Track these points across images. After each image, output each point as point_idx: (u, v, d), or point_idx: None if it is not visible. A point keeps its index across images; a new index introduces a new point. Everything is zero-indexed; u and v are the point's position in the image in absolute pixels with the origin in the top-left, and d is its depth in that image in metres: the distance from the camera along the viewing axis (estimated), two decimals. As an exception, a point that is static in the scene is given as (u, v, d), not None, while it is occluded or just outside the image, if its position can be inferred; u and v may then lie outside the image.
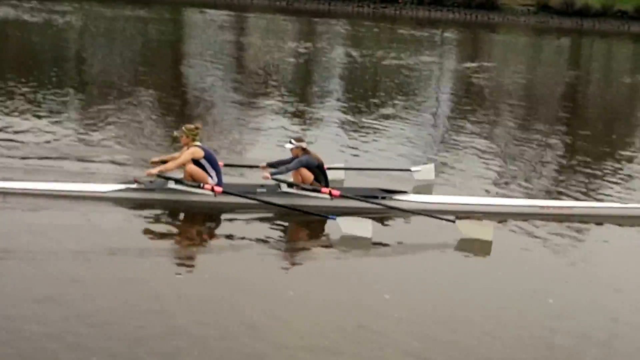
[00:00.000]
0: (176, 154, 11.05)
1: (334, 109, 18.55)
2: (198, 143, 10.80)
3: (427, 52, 36.03)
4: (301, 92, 22.55)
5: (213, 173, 10.75)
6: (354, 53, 32.00)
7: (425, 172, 12.52)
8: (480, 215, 10.59)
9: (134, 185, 10.67)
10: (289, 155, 11.19)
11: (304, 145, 11.05)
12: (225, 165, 11.38)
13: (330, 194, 10.69)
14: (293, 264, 8.95)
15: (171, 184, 10.64)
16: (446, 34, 48.55)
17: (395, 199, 11.07)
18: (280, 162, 11.32)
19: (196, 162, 10.67)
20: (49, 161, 12.13)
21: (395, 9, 59.99)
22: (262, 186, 11.09)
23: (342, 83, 25.00)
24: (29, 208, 9.91)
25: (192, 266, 8.71)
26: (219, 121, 16.53)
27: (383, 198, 11.05)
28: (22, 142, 13.11)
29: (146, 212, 9.98)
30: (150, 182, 10.79)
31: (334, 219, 9.82)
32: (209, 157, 10.78)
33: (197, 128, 10.94)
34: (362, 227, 9.67)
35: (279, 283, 8.05)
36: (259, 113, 17.57)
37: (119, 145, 13.72)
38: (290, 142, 11.11)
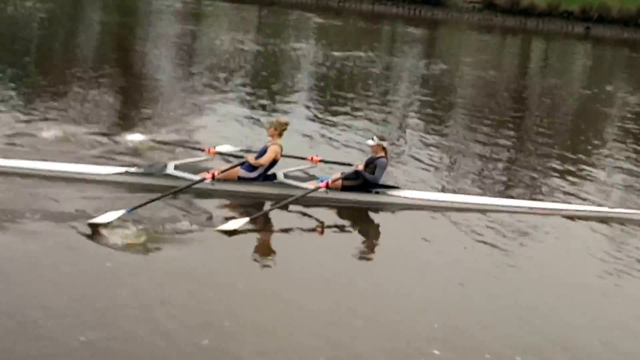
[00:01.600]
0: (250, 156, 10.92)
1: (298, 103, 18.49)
2: (280, 143, 10.73)
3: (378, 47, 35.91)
4: (262, 86, 22.14)
5: (261, 171, 10.68)
6: (303, 45, 31.87)
7: None
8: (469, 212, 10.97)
9: (134, 169, 10.53)
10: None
11: (385, 143, 10.99)
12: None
13: (327, 186, 10.55)
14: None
15: (170, 170, 10.42)
16: (402, 29, 48.51)
17: (388, 194, 11.10)
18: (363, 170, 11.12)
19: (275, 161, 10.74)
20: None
21: (339, 1, 59.58)
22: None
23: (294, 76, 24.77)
24: (29, 187, 9.72)
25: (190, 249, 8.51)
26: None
27: (377, 192, 11.05)
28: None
29: (144, 196, 9.60)
30: (149, 166, 10.72)
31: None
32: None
33: (287, 123, 10.91)
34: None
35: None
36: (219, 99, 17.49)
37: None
38: (373, 139, 11.01)
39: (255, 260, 8.66)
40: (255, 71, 23.72)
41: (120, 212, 8.73)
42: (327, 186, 10.52)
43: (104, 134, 12.77)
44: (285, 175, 10.81)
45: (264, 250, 9.05)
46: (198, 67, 22.90)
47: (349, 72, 25.14)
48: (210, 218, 9.41)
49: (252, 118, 15.92)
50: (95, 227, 8.50)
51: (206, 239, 8.75)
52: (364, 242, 9.86)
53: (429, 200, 11.24)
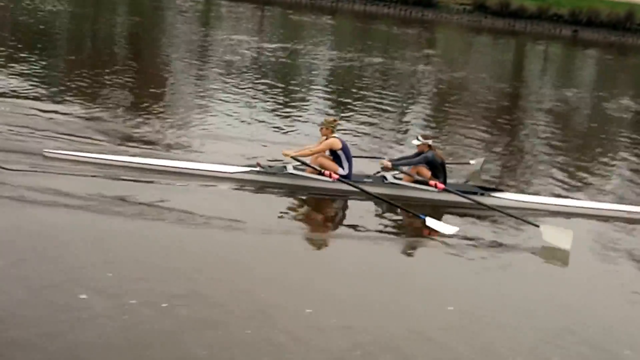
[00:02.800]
0: (311, 145, 12.23)
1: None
2: (336, 135, 11.84)
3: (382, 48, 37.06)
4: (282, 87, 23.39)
5: (346, 164, 11.95)
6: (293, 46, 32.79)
7: (477, 164, 13.84)
8: (573, 218, 11.66)
9: (257, 169, 11.87)
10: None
11: (430, 142, 12.09)
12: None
13: (436, 186, 11.63)
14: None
15: (290, 169, 11.84)
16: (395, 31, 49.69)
17: (493, 196, 11.98)
18: (404, 158, 12.49)
19: (332, 152, 11.83)
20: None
21: (333, 1, 60.70)
22: (368, 176, 12.22)
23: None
24: (165, 183, 11.13)
25: (308, 245, 9.81)
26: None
27: (482, 194, 11.95)
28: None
29: (266, 193, 11.29)
30: (270, 166, 12.03)
31: (423, 218, 10.55)
32: (345, 149, 11.95)
33: (335, 121, 12.16)
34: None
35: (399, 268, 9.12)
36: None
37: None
38: (417, 139, 12.13)
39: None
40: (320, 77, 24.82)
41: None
42: (435, 186, 11.67)
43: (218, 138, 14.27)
44: (395, 177, 12.03)
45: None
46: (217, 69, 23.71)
47: (364, 72, 26.31)
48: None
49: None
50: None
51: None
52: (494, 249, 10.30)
53: (532, 202, 12.11)
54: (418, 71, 29.03)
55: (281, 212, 10.60)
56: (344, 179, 11.51)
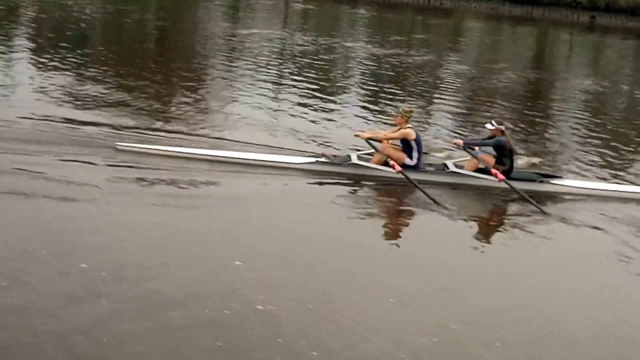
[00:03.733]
0: (383, 132, 12.93)
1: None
2: (410, 125, 12.43)
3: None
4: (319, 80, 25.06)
5: (415, 155, 12.55)
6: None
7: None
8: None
9: (322, 159, 12.50)
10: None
11: (502, 128, 12.68)
12: None
13: (496, 176, 12.21)
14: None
15: (354, 159, 12.48)
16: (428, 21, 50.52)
17: (552, 183, 12.68)
18: (476, 139, 13.26)
19: (404, 142, 12.42)
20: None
21: (351, -10, 61.73)
22: (430, 165, 12.90)
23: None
24: (235, 172, 11.91)
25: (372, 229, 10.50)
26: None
27: (541, 182, 12.65)
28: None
29: (332, 182, 12.02)
30: (334, 156, 12.69)
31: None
32: (418, 140, 12.56)
33: (411, 111, 12.73)
34: None
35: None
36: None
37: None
38: (491, 124, 12.70)
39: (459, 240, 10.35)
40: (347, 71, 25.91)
41: None
42: (496, 175, 12.24)
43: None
44: (456, 165, 12.72)
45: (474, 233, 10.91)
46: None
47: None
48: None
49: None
50: None
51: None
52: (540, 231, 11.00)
53: (592, 189, 12.77)
54: (447, 63, 30.09)
55: (344, 199, 11.43)
56: (409, 169, 12.19)
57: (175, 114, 15.41)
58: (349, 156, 12.68)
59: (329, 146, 13.84)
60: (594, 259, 10.10)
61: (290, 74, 21.99)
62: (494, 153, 12.69)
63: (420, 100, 20.33)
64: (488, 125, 12.79)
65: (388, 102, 19.15)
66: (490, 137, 12.74)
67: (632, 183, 13.69)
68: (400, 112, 12.64)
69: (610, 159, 15.56)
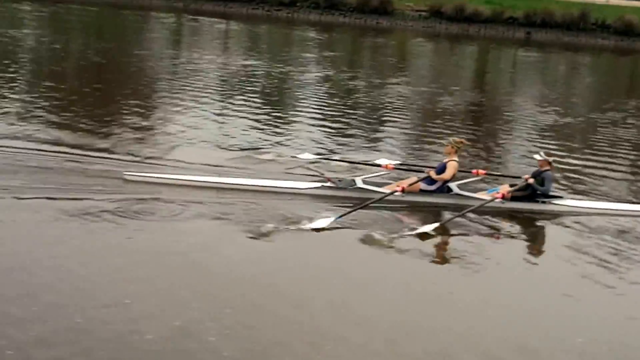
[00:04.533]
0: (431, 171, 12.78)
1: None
2: (457, 158, 12.57)
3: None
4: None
5: (440, 183, 12.60)
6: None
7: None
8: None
9: (328, 184, 12.68)
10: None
11: (551, 159, 12.68)
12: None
13: (503, 197, 12.34)
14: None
15: (360, 184, 12.62)
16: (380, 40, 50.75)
17: (554, 203, 12.76)
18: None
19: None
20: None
21: (289, 12, 61.63)
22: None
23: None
24: (243, 199, 11.94)
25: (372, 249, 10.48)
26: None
27: (543, 202, 12.72)
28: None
29: (340, 206, 11.95)
30: (339, 180, 12.82)
31: None
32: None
33: (462, 142, 12.78)
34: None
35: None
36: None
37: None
38: (540, 155, 12.73)
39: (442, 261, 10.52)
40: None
41: (331, 219, 10.93)
42: (503, 197, 12.29)
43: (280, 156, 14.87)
44: (459, 187, 12.76)
45: (450, 253, 10.87)
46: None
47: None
48: (402, 223, 11.54)
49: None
50: (316, 230, 10.74)
51: (403, 242, 10.71)
52: (537, 249, 11.50)
53: (592, 208, 12.86)
54: (392, 83, 30.17)
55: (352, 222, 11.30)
56: (425, 193, 12.47)
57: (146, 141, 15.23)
58: (353, 180, 12.79)
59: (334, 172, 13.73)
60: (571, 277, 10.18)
61: (262, 102, 21.67)
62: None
63: (367, 122, 20.17)
64: (536, 156, 12.82)
65: (331, 124, 19.00)
66: (539, 170, 12.65)
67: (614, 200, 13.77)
68: (450, 142, 12.65)
69: (576, 176, 15.61)
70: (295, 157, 14.50)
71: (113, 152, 13.73)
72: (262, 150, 15.11)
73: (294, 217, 11.18)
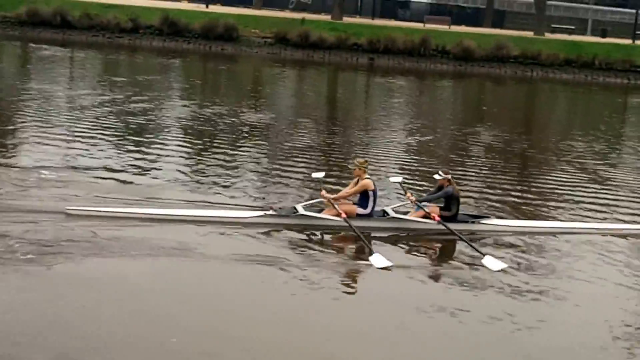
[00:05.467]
0: (348, 189, 13.68)
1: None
2: (368, 177, 13.01)
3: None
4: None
5: (371, 204, 13.06)
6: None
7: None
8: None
9: (270, 212, 13.24)
10: None
11: (449, 177, 13.67)
12: None
13: (434, 218, 13.25)
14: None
15: (300, 210, 13.24)
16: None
17: (483, 223, 13.77)
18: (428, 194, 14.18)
19: (365, 193, 13.01)
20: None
21: (130, 39, 60.88)
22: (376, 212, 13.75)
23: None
24: (192, 231, 12.58)
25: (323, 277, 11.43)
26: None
27: (472, 222, 13.68)
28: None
29: (282, 234, 13.00)
30: (280, 208, 13.52)
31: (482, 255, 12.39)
32: (375, 190, 13.13)
33: (366, 162, 13.72)
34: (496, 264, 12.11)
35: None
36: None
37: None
38: (439, 174, 13.74)
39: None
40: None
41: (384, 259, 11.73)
42: (433, 218, 13.21)
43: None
44: (395, 211, 13.49)
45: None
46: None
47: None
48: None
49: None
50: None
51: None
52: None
53: (516, 227, 14.01)
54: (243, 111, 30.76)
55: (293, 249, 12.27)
56: (361, 218, 12.90)
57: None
58: (294, 207, 13.33)
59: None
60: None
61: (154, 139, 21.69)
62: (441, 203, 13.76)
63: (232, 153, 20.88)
64: (436, 176, 13.85)
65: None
66: (438, 187, 13.54)
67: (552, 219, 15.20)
68: (357, 165, 13.15)
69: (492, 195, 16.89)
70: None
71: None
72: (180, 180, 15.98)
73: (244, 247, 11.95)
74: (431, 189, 14.36)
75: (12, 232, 11.43)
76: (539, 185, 19.24)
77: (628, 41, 72.02)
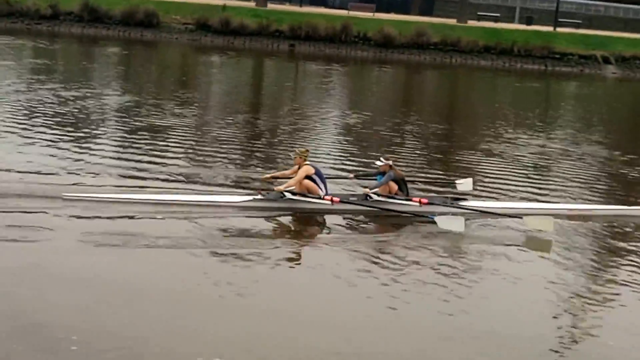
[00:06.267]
0: (287, 171, 14.96)
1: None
2: (308, 162, 14.37)
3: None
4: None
5: (322, 185, 14.43)
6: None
7: (465, 184, 16.28)
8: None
9: (259, 197, 14.19)
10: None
11: (390, 162, 14.82)
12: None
13: (420, 202, 14.40)
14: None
15: (289, 195, 14.21)
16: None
17: (460, 205, 14.85)
18: (367, 175, 15.59)
19: (309, 177, 14.25)
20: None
21: (49, 25, 61.29)
22: (353, 196, 14.92)
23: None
24: (184, 214, 13.56)
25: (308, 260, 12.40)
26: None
27: (452, 204, 14.78)
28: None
29: (270, 218, 13.97)
30: (268, 193, 14.42)
31: (432, 218, 13.65)
32: (318, 173, 14.49)
33: (307, 151, 14.87)
34: (457, 224, 13.36)
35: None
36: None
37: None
38: (380, 160, 14.84)
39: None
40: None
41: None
42: (420, 202, 14.50)
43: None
44: (377, 194, 14.61)
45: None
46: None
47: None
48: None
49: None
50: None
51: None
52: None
53: (495, 208, 15.08)
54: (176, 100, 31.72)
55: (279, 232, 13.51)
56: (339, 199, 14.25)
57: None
58: (282, 192, 14.23)
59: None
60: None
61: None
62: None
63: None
64: (378, 162, 14.91)
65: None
66: (381, 173, 14.76)
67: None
68: (298, 154, 14.53)
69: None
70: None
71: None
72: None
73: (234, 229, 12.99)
74: (367, 173, 16.31)
75: None
76: (465, 166, 20.52)
77: (551, 28, 74.39)
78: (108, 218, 13.01)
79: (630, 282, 12.23)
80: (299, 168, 14.37)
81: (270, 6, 73.92)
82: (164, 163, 17.46)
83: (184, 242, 12.04)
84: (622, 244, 14.29)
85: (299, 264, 12.16)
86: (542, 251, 13.61)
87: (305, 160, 14.50)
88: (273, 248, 12.41)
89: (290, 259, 12.15)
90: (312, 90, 40.36)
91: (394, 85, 49.48)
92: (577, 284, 12.08)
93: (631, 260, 13.32)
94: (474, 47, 64.30)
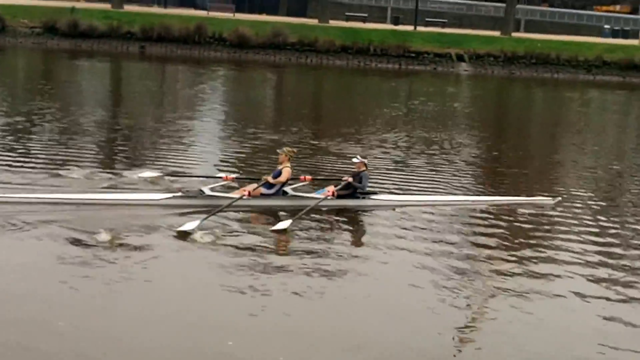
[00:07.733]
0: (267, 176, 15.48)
1: None
2: (288, 165, 15.28)
3: None
4: None
5: (278, 187, 15.33)
6: None
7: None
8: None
9: (178, 194, 14.91)
10: None
11: (365, 161, 15.88)
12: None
13: (332, 194, 15.37)
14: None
15: (208, 192, 14.95)
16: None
17: (371, 198, 15.93)
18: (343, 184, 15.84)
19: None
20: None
21: None
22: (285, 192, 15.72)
23: None
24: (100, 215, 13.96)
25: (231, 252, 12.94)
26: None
27: (363, 198, 15.87)
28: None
29: (192, 213, 14.33)
30: (187, 191, 15.20)
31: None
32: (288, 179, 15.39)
33: (294, 151, 15.72)
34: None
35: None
36: None
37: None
38: (357, 158, 15.89)
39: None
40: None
41: (196, 222, 13.24)
42: (333, 195, 15.28)
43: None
44: (294, 189, 15.57)
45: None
46: None
47: None
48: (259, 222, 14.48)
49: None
50: (182, 233, 13.06)
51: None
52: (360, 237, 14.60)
53: (402, 201, 16.22)
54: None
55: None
56: (267, 196, 15.19)
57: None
58: (201, 190, 15.00)
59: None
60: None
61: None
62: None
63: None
64: (354, 159, 15.92)
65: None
66: (357, 171, 15.81)
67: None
68: (284, 152, 15.38)
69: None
70: (139, 175, 16.72)
71: None
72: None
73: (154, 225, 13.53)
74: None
75: None
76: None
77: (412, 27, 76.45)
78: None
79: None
80: (283, 168, 15.29)
81: (128, 8, 73.82)
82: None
83: (95, 240, 12.70)
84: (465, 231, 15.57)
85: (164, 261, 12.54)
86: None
87: (289, 160, 15.43)
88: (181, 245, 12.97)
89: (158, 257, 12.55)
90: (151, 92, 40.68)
91: (246, 86, 49.99)
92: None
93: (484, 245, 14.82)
94: (330, 47, 65.60)
